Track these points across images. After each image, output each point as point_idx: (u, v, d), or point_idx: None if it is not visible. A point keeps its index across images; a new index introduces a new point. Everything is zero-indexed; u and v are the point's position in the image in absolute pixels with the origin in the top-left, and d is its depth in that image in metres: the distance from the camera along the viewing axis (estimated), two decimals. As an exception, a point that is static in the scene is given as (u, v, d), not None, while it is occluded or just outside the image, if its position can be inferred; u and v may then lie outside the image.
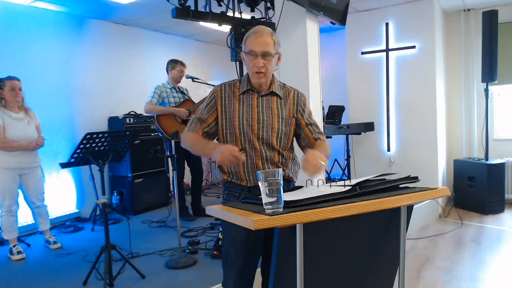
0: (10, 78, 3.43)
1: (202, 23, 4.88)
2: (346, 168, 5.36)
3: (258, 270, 1.87)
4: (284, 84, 1.86)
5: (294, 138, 1.89)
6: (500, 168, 4.87)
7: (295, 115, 1.81)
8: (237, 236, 1.71)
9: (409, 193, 1.37)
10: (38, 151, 3.60)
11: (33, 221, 3.75)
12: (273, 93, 1.78)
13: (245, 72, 1.84)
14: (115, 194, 4.93)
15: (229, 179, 1.77)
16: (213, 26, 4.66)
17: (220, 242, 3.16)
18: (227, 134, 1.76)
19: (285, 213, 1.16)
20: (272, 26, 3.14)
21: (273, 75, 1.81)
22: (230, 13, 3.33)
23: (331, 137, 4.95)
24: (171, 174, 4.73)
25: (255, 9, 3.40)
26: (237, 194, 1.76)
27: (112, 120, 5.12)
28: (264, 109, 1.75)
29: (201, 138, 1.76)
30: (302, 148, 1.87)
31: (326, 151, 1.75)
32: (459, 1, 5.08)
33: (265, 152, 1.72)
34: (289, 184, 1.83)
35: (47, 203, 3.71)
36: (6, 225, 3.40)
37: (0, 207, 3.41)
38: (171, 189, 5.37)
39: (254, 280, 1.82)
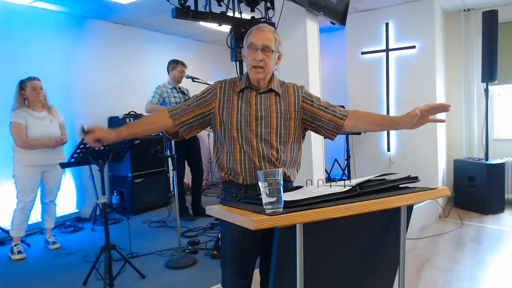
0: (30, 78, 3.50)
1: (202, 23, 4.89)
2: (346, 168, 5.36)
3: (257, 270, 1.87)
4: (283, 82, 1.84)
5: (314, 133, 1.84)
6: (500, 168, 4.87)
7: (296, 110, 1.77)
8: (235, 236, 1.71)
9: (409, 193, 1.37)
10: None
11: (34, 221, 3.76)
12: (271, 90, 1.76)
13: (245, 72, 1.83)
14: (115, 194, 4.93)
15: (227, 176, 1.76)
16: (213, 26, 4.67)
17: (220, 242, 3.15)
18: (224, 131, 1.75)
19: (285, 213, 1.16)
20: (272, 26, 3.13)
21: (273, 73, 1.80)
22: (230, 13, 3.33)
23: (331, 137, 4.94)
24: (171, 174, 4.73)
25: (255, 9, 3.40)
26: (234, 195, 1.75)
27: (112, 120, 5.11)
28: (262, 106, 1.73)
29: (144, 122, 1.83)
30: (329, 133, 1.78)
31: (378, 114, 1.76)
32: (459, 1, 5.08)
33: (262, 149, 1.70)
34: (287, 184, 1.80)
35: (57, 202, 3.75)
36: (17, 222, 3.43)
37: (16, 202, 3.44)
38: (171, 189, 5.37)
39: (253, 279, 1.81)
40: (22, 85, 3.48)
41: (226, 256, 1.77)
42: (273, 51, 1.69)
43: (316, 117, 1.77)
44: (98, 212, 4.41)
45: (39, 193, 3.60)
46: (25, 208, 3.44)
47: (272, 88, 1.76)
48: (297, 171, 1.87)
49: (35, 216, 3.95)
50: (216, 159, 1.83)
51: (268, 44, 1.68)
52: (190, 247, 3.38)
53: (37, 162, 3.46)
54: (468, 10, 5.41)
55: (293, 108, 1.76)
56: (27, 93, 3.47)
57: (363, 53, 5.41)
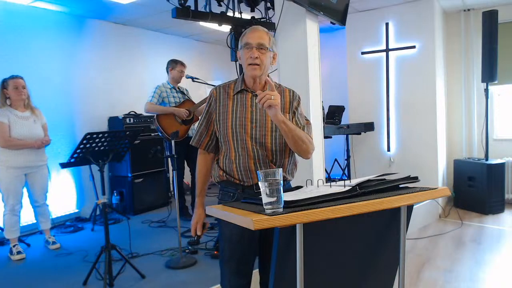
0: (12, 77, 3.44)
1: (202, 23, 4.89)
2: (346, 168, 5.36)
3: (256, 270, 1.87)
4: (280, 85, 1.85)
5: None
6: (500, 168, 4.87)
7: (290, 112, 1.78)
8: (232, 236, 1.71)
9: (409, 193, 1.37)
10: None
11: (34, 221, 3.75)
12: None
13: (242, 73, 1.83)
14: (115, 194, 4.93)
15: (224, 175, 1.77)
16: (213, 26, 4.66)
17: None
18: (221, 135, 1.76)
19: (285, 213, 1.16)
20: (272, 26, 3.14)
21: (268, 75, 1.80)
22: (230, 13, 3.33)
23: (331, 137, 4.95)
24: (171, 174, 4.73)
25: (255, 9, 3.40)
26: (231, 194, 1.76)
27: (112, 120, 5.12)
28: (257, 108, 1.73)
29: (201, 179, 1.87)
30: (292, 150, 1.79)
31: (300, 131, 1.69)
32: (459, 1, 5.08)
33: (257, 152, 1.70)
34: (285, 184, 1.79)
35: (48, 203, 3.71)
36: (9, 224, 3.41)
37: (4, 206, 3.41)
38: (171, 189, 5.37)
39: (252, 279, 1.82)
40: (4, 83, 3.41)
41: (225, 256, 1.78)
42: (268, 48, 1.70)
43: None
44: (98, 212, 4.41)
45: (25, 194, 3.54)
46: (15, 210, 3.41)
47: (267, 90, 1.75)
48: (295, 170, 1.88)
49: (30, 217, 3.92)
50: (216, 160, 1.84)
51: (263, 42, 1.69)
52: (190, 247, 3.38)
53: (20, 164, 3.39)
54: (468, 10, 5.41)
55: (287, 110, 1.77)
56: (9, 91, 3.40)
57: (363, 53, 5.41)
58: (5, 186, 3.36)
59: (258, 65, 1.69)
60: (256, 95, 1.72)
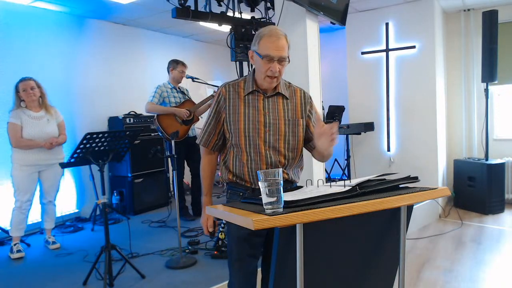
0: (22, 79, 3.50)
1: (202, 23, 4.89)
2: (346, 168, 5.36)
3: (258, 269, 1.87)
4: (290, 84, 1.83)
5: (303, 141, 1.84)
6: (500, 168, 4.87)
7: (303, 116, 1.77)
8: (240, 235, 1.70)
9: (409, 193, 1.37)
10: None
11: (34, 221, 3.77)
12: (278, 94, 1.75)
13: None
14: (115, 194, 4.93)
15: (234, 178, 1.76)
16: (213, 26, 4.67)
17: (220, 242, 3.16)
18: (231, 137, 1.73)
19: (285, 213, 1.16)
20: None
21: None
22: (230, 13, 3.33)
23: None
24: (171, 174, 4.73)
25: (255, 9, 3.40)
26: (241, 194, 1.75)
27: (112, 120, 5.12)
28: (270, 111, 1.71)
29: (208, 179, 1.84)
30: (312, 149, 1.82)
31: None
32: (459, 1, 5.08)
33: (270, 156, 1.69)
34: (292, 185, 1.80)
35: (56, 203, 3.74)
36: (16, 221, 3.44)
37: (14, 202, 3.45)
38: (171, 189, 5.38)
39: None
40: (17, 87, 3.49)
41: (232, 256, 1.77)
42: (287, 60, 1.68)
43: (309, 132, 1.81)
44: (98, 212, 4.42)
45: (37, 193, 3.59)
46: (22, 208, 3.45)
47: (280, 91, 1.74)
48: (300, 172, 1.89)
49: (35, 216, 3.96)
50: (222, 160, 1.82)
51: (284, 55, 1.65)
52: (190, 247, 3.38)
53: (33, 162, 3.46)
54: (468, 10, 5.41)
55: (300, 114, 1.77)
56: (21, 94, 3.47)
57: (363, 53, 5.41)
58: (17, 183, 3.44)
59: (276, 77, 1.67)
60: (268, 97, 1.72)
